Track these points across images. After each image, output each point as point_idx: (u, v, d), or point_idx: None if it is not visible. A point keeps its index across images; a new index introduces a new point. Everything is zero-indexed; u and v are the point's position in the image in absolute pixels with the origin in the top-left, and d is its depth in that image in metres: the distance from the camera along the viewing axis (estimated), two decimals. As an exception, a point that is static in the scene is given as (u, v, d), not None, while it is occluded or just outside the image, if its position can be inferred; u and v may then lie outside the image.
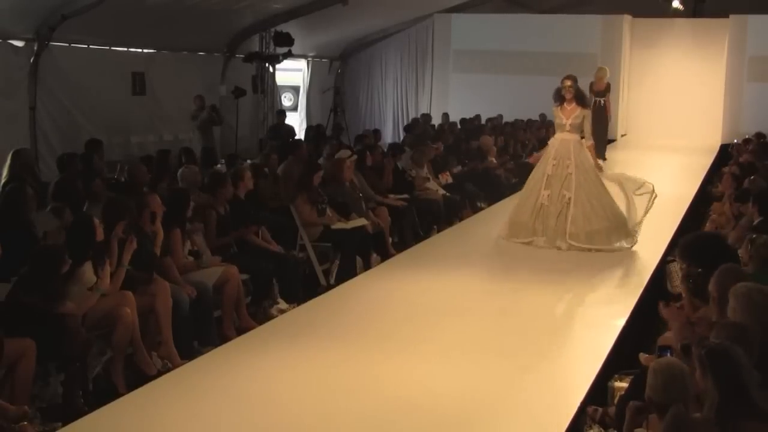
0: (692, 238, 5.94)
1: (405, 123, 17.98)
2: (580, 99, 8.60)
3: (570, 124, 8.53)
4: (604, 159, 15.32)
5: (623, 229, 8.39)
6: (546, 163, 8.58)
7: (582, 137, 8.72)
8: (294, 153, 10.35)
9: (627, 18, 18.83)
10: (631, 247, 8.33)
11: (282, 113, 15.50)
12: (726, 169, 12.36)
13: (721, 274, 4.70)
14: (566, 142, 8.51)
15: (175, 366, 5.74)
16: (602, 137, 14.51)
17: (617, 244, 8.33)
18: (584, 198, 8.30)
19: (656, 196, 8.37)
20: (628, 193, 8.48)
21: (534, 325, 6.21)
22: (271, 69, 15.98)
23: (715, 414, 3.38)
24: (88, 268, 5.62)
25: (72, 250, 5.50)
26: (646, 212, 8.36)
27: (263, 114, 15.61)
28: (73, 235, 5.72)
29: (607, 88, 15.00)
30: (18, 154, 8.73)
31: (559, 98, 8.65)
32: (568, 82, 8.59)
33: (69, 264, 5.40)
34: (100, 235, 5.72)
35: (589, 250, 8.22)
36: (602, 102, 14.66)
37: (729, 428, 3.35)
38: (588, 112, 8.68)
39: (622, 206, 8.47)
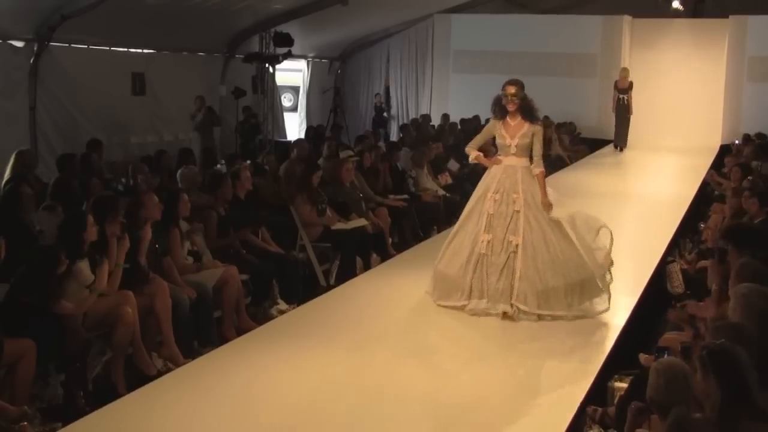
0: (744, 223, 6.13)
1: (403, 123, 17.98)
2: (527, 112, 6.43)
3: (516, 146, 6.38)
4: (625, 146, 17.07)
5: (590, 286, 6.28)
6: (485, 197, 6.43)
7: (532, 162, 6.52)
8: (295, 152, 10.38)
9: (627, 18, 18.83)
10: (607, 308, 6.30)
11: (247, 108, 15.40)
12: (726, 169, 12.39)
13: (740, 269, 4.71)
14: (512, 170, 6.40)
15: (177, 366, 5.74)
16: (625, 127, 16.96)
17: (583, 306, 6.25)
18: (536, 244, 6.20)
19: (612, 241, 6.44)
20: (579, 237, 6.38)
21: (534, 326, 6.20)
22: (271, 69, 15.98)
23: (717, 415, 3.38)
24: (84, 265, 5.61)
25: (66, 246, 5.51)
26: (609, 260, 6.41)
27: (263, 114, 15.60)
28: (66, 232, 5.72)
29: (630, 86, 16.76)
30: (20, 155, 8.78)
31: (500, 110, 6.49)
32: (512, 89, 6.40)
33: (66, 264, 5.40)
34: (93, 233, 5.71)
35: (540, 317, 6.15)
36: (625, 99, 16.72)
37: (729, 429, 3.35)
38: (538, 129, 6.41)
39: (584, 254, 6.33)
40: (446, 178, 11.92)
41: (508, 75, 19.94)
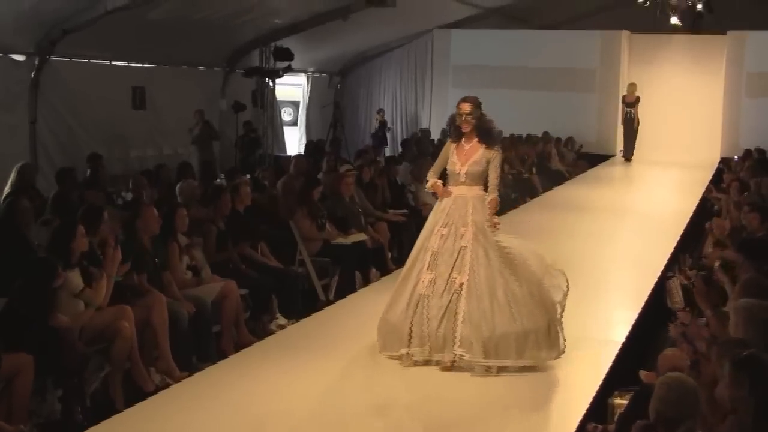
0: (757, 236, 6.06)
1: (403, 138, 18.02)
2: (484, 134, 5.68)
3: (467, 173, 5.64)
4: (631, 157, 17.65)
5: (545, 333, 5.48)
6: (431, 232, 5.67)
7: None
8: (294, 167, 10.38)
9: (625, 34, 18.90)
10: (557, 356, 5.54)
11: (247, 123, 15.38)
12: (725, 185, 12.42)
13: (744, 285, 4.69)
14: (462, 201, 5.63)
15: (174, 379, 5.71)
16: (631, 139, 17.71)
17: (535, 354, 5.44)
18: (483, 284, 5.41)
19: (567, 290, 5.61)
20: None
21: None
22: (271, 84, 16.01)
23: (752, 421, 3.35)
24: (74, 275, 5.59)
25: (55, 255, 5.50)
26: (562, 310, 5.59)
27: (263, 128, 15.62)
28: (56, 241, 5.71)
29: (637, 101, 17.49)
30: (21, 169, 8.79)
31: (455, 131, 5.76)
32: (466, 107, 5.66)
33: (63, 277, 5.38)
34: (83, 244, 5.70)
35: (486, 368, 5.34)
36: (632, 113, 17.50)
37: None
38: (495, 155, 5.65)
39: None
40: (446, 193, 11.90)
41: (507, 90, 20.15)
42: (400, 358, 5.49)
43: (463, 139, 5.71)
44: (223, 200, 7.59)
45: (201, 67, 15.55)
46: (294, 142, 19.27)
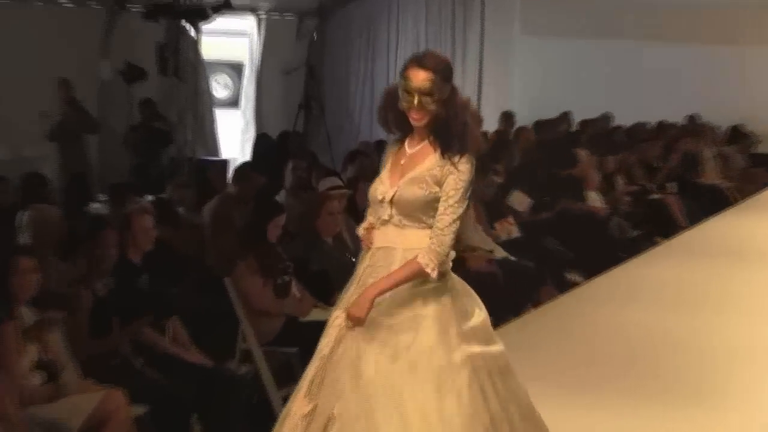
0: None
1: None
2: (442, 131, 5.13)
3: (395, 200, 5.20)
4: None
5: None
6: (332, 319, 5.34)
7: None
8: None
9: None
10: None
11: (149, 103, 15.48)
12: None
13: None
14: (385, 256, 5.28)
15: None
16: None
17: None
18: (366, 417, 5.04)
19: None
20: None
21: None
22: (192, 32, 16.09)
23: None
24: None
25: None
26: None
27: (177, 113, 15.67)
28: None
29: None
30: None
31: (396, 120, 5.28)
32: (423, 77, 5.02)
33: None
34: None
35: None
36: None
37: None
38: (456, 172, 5.06)
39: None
40: (509, 227, 11.90)
41: (620, 41, 20.21)
42: None
43: (408, 140, 5.29)
44: (104, 242, 7.62)
45: (65, 3, 15.65)
46: (234, 136, 19.36)
